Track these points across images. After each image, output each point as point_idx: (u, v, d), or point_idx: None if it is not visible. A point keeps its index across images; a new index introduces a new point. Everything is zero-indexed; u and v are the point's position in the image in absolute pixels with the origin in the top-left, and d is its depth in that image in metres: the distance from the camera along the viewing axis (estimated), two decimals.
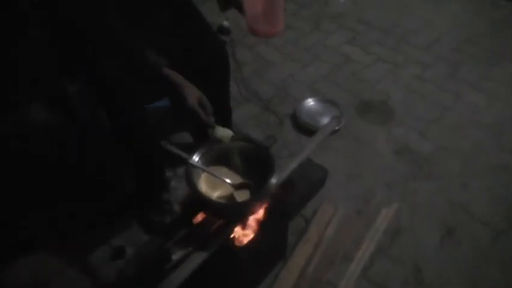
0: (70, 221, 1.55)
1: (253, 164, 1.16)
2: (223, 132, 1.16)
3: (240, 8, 1.34)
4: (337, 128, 1.82)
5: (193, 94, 1.17)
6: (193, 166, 1.10)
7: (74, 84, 1.93)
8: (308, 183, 1.58)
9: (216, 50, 1.45)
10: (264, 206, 1.15)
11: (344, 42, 2.49)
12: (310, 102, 2.02)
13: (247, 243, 1.16)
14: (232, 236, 1.13)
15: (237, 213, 1.09)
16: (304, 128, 1.89)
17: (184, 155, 1.09)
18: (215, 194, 1.11)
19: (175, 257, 1.02)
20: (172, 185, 1.68)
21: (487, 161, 1.76)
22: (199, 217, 1.15)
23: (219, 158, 1.17)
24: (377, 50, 2.42)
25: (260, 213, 1.18)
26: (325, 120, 1.91)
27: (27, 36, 1.30)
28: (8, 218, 1.47)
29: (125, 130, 1.33)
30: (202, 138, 1.54)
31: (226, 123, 1.71)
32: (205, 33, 1.42)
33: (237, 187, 1.10)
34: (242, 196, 1.09)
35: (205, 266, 1.04)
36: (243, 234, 1.17)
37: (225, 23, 2.53)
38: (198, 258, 1.03)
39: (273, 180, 1.06)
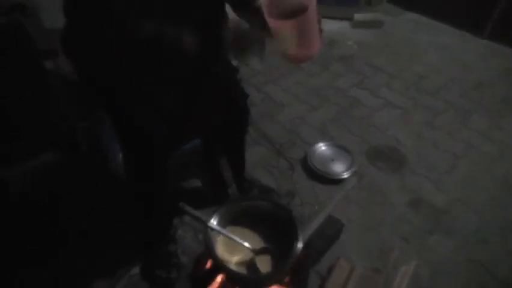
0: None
1: (273, 223, 1.10)
2: None
3: (263, 26, 1.02)
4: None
5: None
6: (212, 229, 1.03)
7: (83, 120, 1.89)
8: (324, 237, 1.51)
9: (240, 101, 1.41)
10: (288, 275, 1.08)
11: (353, 85, 2.49)
12: (321, 147, 1.99)
13: None
14: None
15: (260, 285, 1.02)
16: (316, 174, 1.85)
17: (202, 217, 1.03)
18: (234, 259, 1.04)
19: None
20: (179, 233, 1.60)
21: (504, 216, 1.72)
22: (216, 283, 1.08)
23: (237, 218, 1.11)
24: (386, 94, 2.41)
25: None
26: (337, 167, 1.87)
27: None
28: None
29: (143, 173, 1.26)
30: (220, 198, 1.47)
31: (240, 172, 1.66)
32: (233, 83, 1.37)
33: (258, 252, 1.04)
34: (264, 263, 1.02)
35: None
36: None
37: (234, 62, 2.53)
38: None
39: (298, 247, 1.00)
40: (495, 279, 1.49)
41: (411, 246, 1.60)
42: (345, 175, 1.83)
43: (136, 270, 1.49)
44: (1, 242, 1.48)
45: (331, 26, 2.96)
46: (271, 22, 0.94)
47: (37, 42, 1.47)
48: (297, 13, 0.91)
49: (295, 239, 1.00)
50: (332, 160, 1.92)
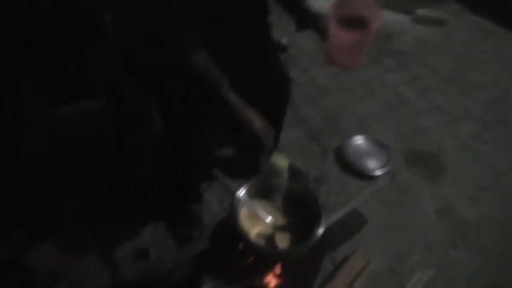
0: (99, 213, 1.57)
1: (298, 205, 1.12)
2: (280, 161, 1.11)
3: (322, 34, 1.20)
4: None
5: (257, 119, 1.09)
6: (238, 199, 1.07)
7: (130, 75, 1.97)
8: (345, 228, 1.52)
9: (282, 82, 1.41)
10: (303, 255, 1.10)
11: (402, 82, 2.41)
12: (358, 140, 1.96)
13: (277, 285, 1.12)
14: (264, 276, 1.09)
15: (275, 259, 1.05)
16: (348, 166, 1.83)
17: (231, 186, 1.06)
18: (255, 230, 1.08)
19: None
20: (206, 198, 1.66)
21: None
22: (236, 249, 1.12)
23: (265, 193, 1.13)
24: (436, 97, 2.32)
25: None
26: (371, 163, 1.84)
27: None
28: (40, 202, 1.50)
29: (179, 130, 1.30)
30: (253, 171, 1.48)
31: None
32: (275, 63, 1.38)
33: (278, 228, 1.06)
34: (282, 240, 1.05)
35: None
36: (273, 277, 1.13)
37: (284, 40, 2.50)
38: None
39: (318, 233, 1.02)
40: None
41: (432, 255, 1.57)
42: (378, 173, 1.80)
43: (162, 225, 1.57)
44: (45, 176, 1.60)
45: (390, 18, 2.84)
46: (333, 28, 1.04)
47: None
48: (361, 25, 0.99)
49: (317, 224, 1.01)
50: (367, 155, 1.89)
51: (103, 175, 1.69)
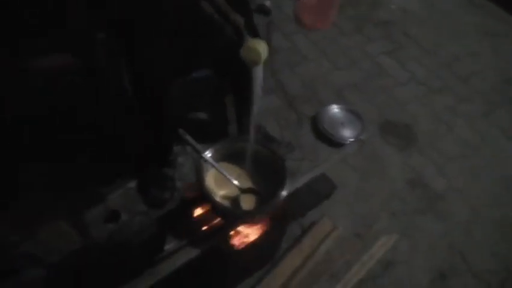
0: (70, 174, 1.55)
1: (265, 169, 1.13)
2: (259, 45, 0.92)
3: None
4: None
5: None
6: (205, 160, 1.06)
7: (101, 31, 1.89)
8: (313, 193, 1.54)
9: None
10: (267, 217, 1.12)
11: (383, 52, 2.39)
12: (334, 108, 1.96)
13: (240, 247, 1.14)
14: (228, 237, 1.11)
15: (238, 220, 1.07)
16: (323, 134, 1.84)
17: (198, 147, 1.05)
18: (221, 192, 1.09)
19: (168, 247, 1.01)
20: (179, 161, 1.65)
21: (498, 215, 1.71)
22: (200, 210, 1.13)
23: (232, 156, 1.13)
24: (415, 69, 2.32)
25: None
26: (345, 132, 1.86)
27: None
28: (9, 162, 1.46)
29: (148, 93, 1.27)
30: (222, 134, 1.45)
31: (244, 115, 1.63)
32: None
33: (244, 191, 1.07)
34: (247, 202, 1.06)
35: (194, 262, 1.02)
36: (238, 238, 1.15)
37: (267, 3, 2.42)
38: (189, 253, 1.02)
39: (282, 195, 1.03)
40: (469, 271, 1.52)
41: (398, 222, 1.62)
42: (350, 141, 1.82)
43: (132, 184, 1.57)
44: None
45: None
46: None
47: None
48: None
49: (280, 186, 1.02)
50: (342, 124, 1.89)
51: (74, 134, 1.65)
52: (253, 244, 1.16)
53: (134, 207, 1.51)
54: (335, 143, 1.81)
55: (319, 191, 1.56)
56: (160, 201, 1.52)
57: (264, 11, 2.68)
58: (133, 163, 1.57)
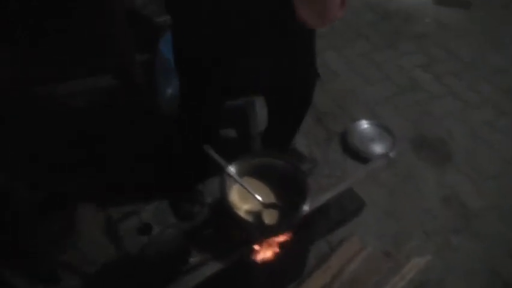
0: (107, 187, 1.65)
1: (290, 184, 1.14)
2: None
3: None
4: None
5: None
6: (229, 175, 1.09)
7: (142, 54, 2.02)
8: (342, 210, 1.52)
9: (307, 72, 1.35)
10: (290, 231, 1.13)
11: (418, 66, 2.34)
12: (364, 124, 1.94)
13: (265, 261, 1.15)
14: (252, 251, 1.12)
15: (261, 234, 1.08)
16: (352, 151, 1.82)
17: (222, 162, 1.08)
18: (244, 207, 1.11)
19: (193, 260, 1.04)
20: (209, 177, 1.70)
21: None
22: (225, 224, 1.16)
23: (256, 171, 1.16)
24: (452, 82, 2.24)
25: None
26: (376, 148, 1.83)
27: None
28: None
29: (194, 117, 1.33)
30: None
31: (285, 143, 1.64)
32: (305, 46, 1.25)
33: (267, 206, 1.09)
34: (270, 217, 1.07)
35: (219, 276, 1.05)
36: (264, 252, 1.16)
37: None
38: (214, 266, 1.05)
39: (304, 209, 1.03)
40: None
41: (431, 242, 1.56)
42: (380, 158, 1.79)
43: (165, 202, 1.63)
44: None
45: (410, 0, 2.75)
46: None
47: None
48: None
49: (302, 201, 1.03)
50: (372, 140, 1.87)
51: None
52: (278, 259, 1.17)
53: (166, 220, 1.58)
54: (363, 158, 1.79)
55: (347, 208, 1.54)
56: (190, 215, 1.57)
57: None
58: (168, 178, 1.65)
